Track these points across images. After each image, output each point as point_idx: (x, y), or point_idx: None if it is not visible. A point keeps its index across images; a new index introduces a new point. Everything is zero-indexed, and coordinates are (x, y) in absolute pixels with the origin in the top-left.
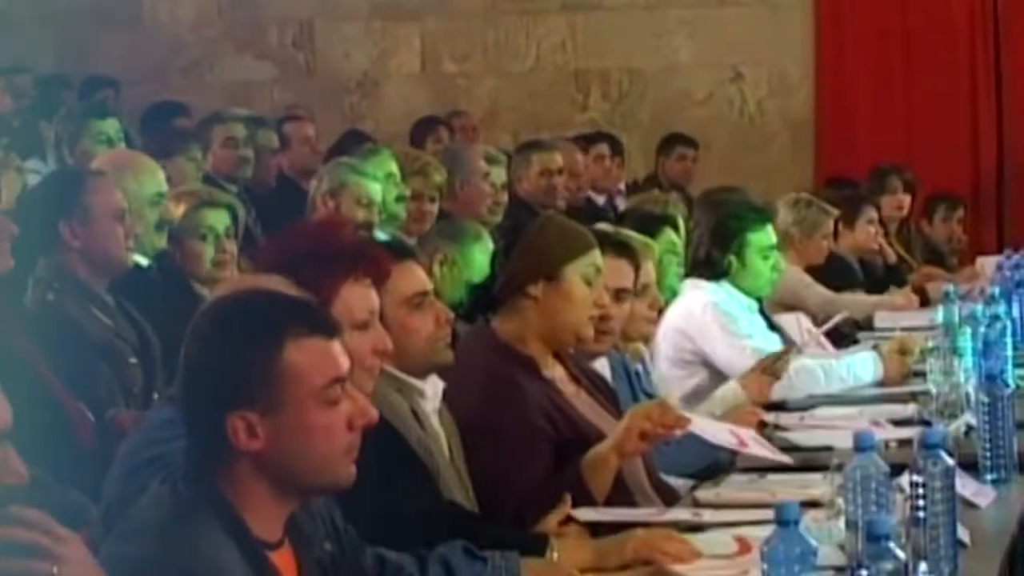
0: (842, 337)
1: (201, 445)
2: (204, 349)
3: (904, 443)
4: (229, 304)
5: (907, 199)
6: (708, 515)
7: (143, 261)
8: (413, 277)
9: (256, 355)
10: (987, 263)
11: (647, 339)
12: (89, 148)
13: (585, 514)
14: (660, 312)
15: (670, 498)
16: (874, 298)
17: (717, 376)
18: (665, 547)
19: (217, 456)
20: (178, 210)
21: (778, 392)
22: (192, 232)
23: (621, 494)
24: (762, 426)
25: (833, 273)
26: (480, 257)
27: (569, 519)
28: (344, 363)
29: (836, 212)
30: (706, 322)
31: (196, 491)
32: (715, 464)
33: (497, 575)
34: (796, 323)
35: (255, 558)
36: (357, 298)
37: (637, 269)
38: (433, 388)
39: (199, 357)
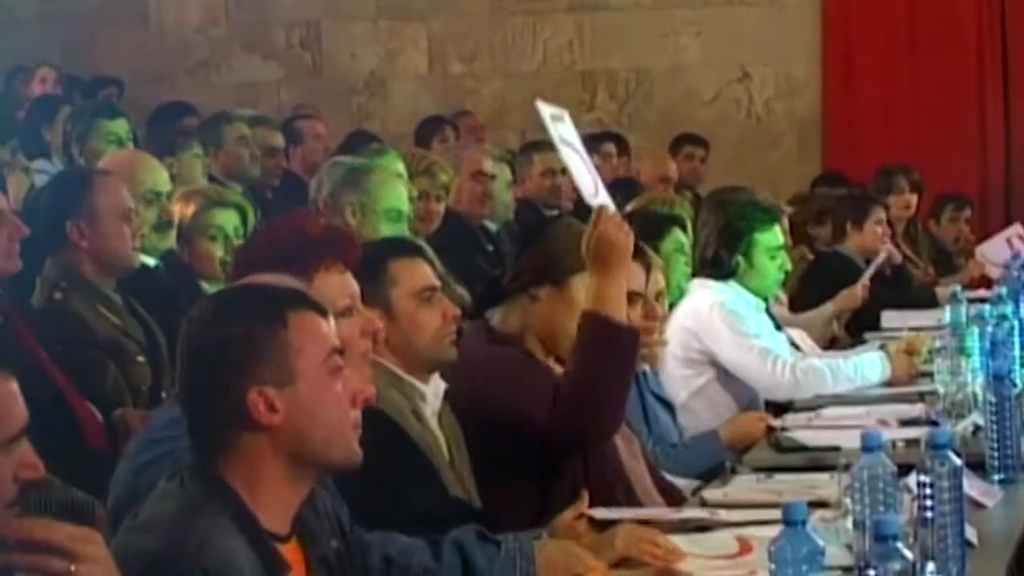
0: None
1: (214, 431)
2: (212, 333)
3: (911, 443)
4: (227, 292)
5: (914, 199)
6: (724, 514)
7: (150, 261)
8: (421, 272)
9: (265, 330)
10: (987, 249)
11: (644, 346)
12: (98, 148)
13: (600, 512)
14: (661, 319)
15: (674, 498)
16: (822, 309)
17: (724, 376)
18: (649, 547)
19: (233, 438)
20: (188, 210)
21: (786, 392)
22: (201, 232)
23: (626, 494)
24: (770, 430)
25: (840, 274)
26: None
27: (581, 516)
28: (336, 338)
29: (790, 209)
30: (714, 321)
31: (203, 484)
32: (720, 466)
33: (511, 557)
34: (800, 340)
35: (264, 549)
36: (334, 286)
37: (648, 269)
38: (434, 391)
39: (208, 342)
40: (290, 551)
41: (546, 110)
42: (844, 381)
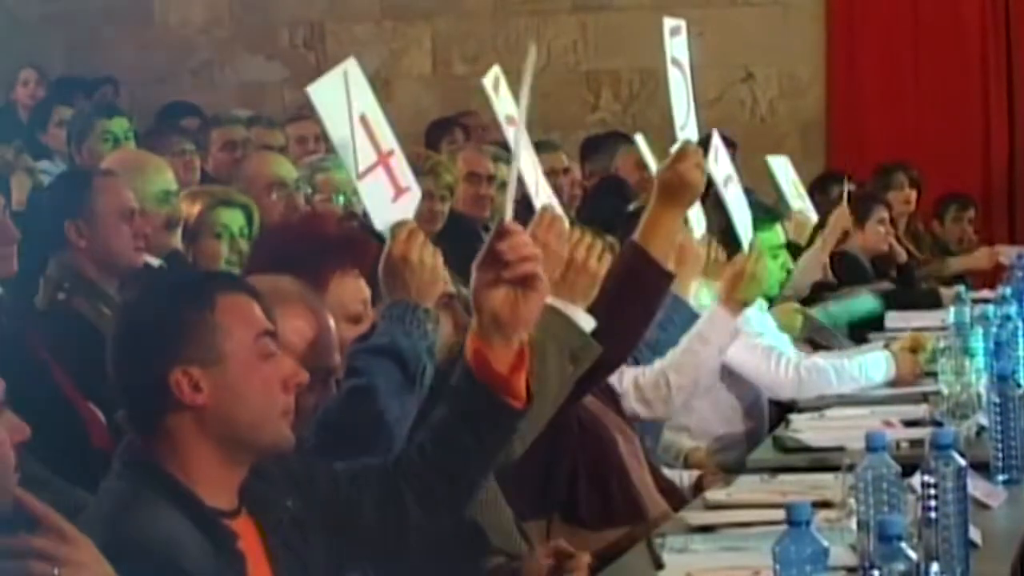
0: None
1: (142, 412)
2: (138, 314)
3: (916, 443)
4: (157, 277)
5: (913, 194)
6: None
7: (154, 261)
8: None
9: (190, 311)
10: (1004, 251)
11: None
12: (96, 148)
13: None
14: None
15: (675, 498)
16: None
17: (728, 375)
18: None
19: (160, 419)
20: (193, 208)
21: (789, 391)
22: (207, 231)
23: (624, 493)
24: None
25: (845, 272)
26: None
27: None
28: (268, 322)
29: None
30: None
31: (139, 471)
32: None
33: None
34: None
35: (210, 527)
36: (348, 291)
37: None
38: None
39: (133, 322)
40: (241, 525)
41: (668, 23)
42: (849, 381)
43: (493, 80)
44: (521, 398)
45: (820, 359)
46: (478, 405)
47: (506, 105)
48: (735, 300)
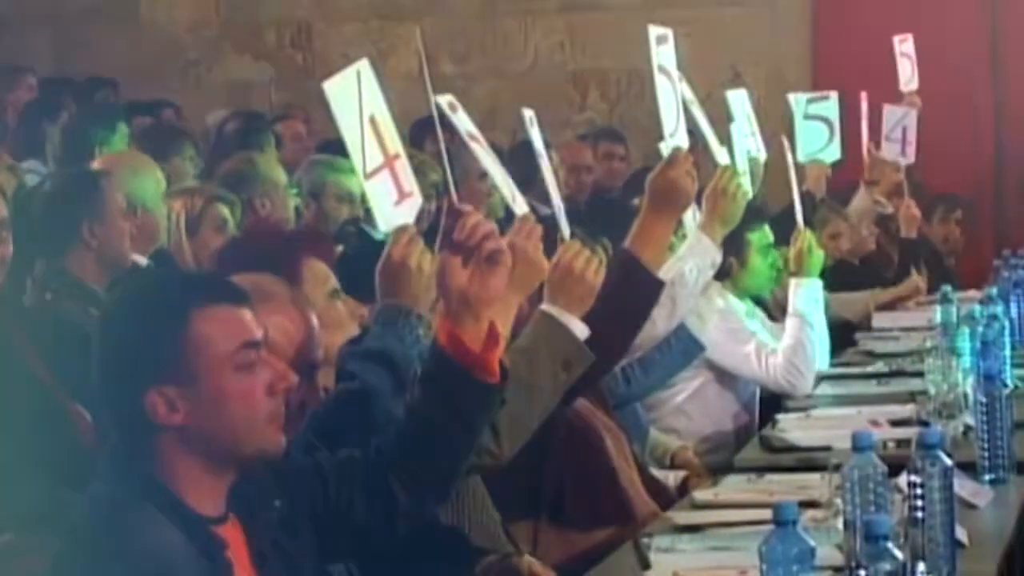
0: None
1: (125, 430)
2: (112, 332)
3: (902, 443)
4: (132, 287)
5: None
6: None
7: (141, 259)
8: None
9: (163, 329)
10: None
11: None
12: (97, 150)
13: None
14: None
15: (662, 497)
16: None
17: (720, 376)
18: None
19: (142, 438)
20: (195, 203)
21: (783, 384)
22: (209, 224)
23: (613, 492)
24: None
25: (836, 274)
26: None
27: None
28: (255, 329)
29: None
30: (708, 329)
31: (129, 481)
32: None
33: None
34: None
35: (198, 534)
36: (320, 272)
37: None
38: None
39: (108, 341)
40: (229, 531)
41: (654, 31)
42: (813, 333)
43: (448, 104)
44: (496, 375)
45: (787, 340)
46: (454, 384)
47: (466, 123)
48: (713, 224)
